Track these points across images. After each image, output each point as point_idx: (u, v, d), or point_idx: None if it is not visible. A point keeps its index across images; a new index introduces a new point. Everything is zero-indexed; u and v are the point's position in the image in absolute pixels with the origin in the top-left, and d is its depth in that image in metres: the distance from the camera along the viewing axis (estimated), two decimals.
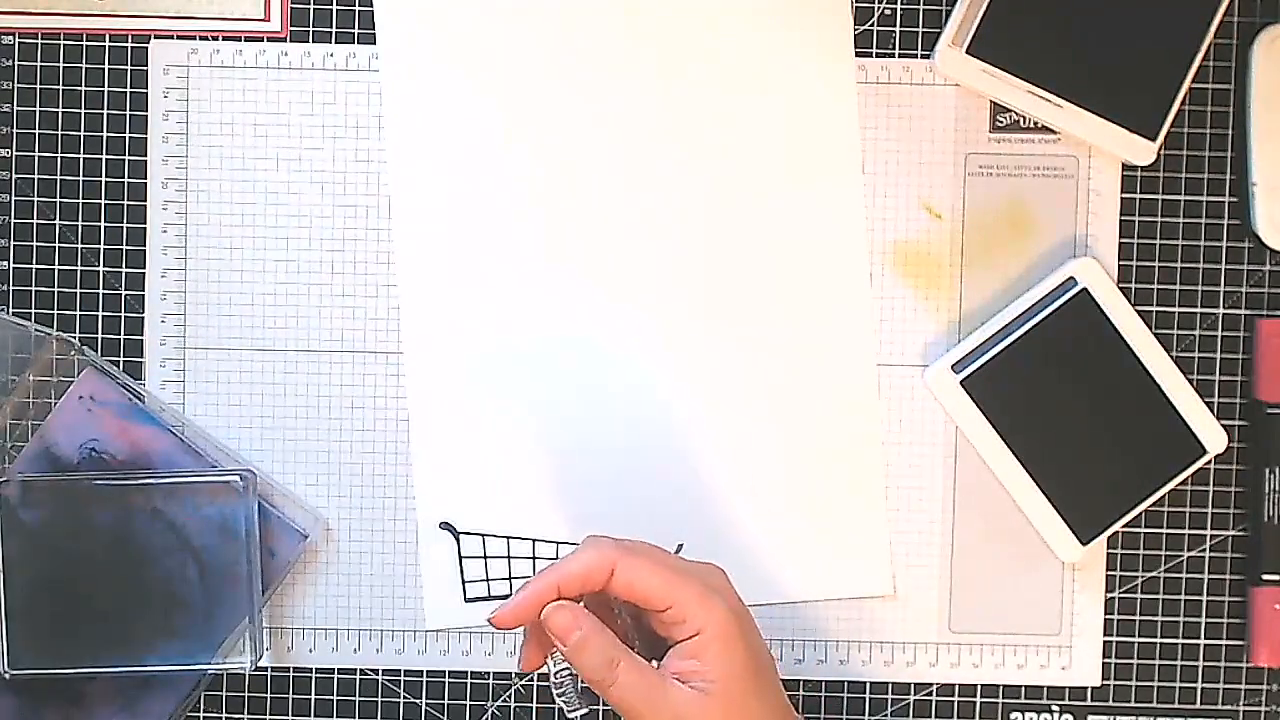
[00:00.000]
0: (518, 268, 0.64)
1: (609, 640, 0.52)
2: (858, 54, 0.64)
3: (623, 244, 0.64)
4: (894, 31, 0.64)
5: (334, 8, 0.64)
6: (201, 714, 0.65)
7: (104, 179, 0.64)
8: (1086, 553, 0.63)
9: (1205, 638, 0.65)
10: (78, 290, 0.64)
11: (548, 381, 0.64)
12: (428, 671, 0.65)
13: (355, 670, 0.65)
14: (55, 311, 0.64)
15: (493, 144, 0.63)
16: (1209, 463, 0.64)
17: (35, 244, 0.64)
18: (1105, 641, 0.65)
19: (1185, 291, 0.64)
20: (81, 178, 0.64)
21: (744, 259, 0.64)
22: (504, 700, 0.65)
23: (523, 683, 0.65)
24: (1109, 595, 0.65)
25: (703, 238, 0.64)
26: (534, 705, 0.65)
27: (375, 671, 0.65)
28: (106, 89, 0.64)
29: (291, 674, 0.65)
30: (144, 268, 0.64)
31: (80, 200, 0.64)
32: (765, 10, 0.63)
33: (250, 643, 0.63)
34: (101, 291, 0.64)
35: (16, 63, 0.64)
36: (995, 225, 0.64)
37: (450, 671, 0.65)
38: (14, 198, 0.64)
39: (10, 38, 0.64)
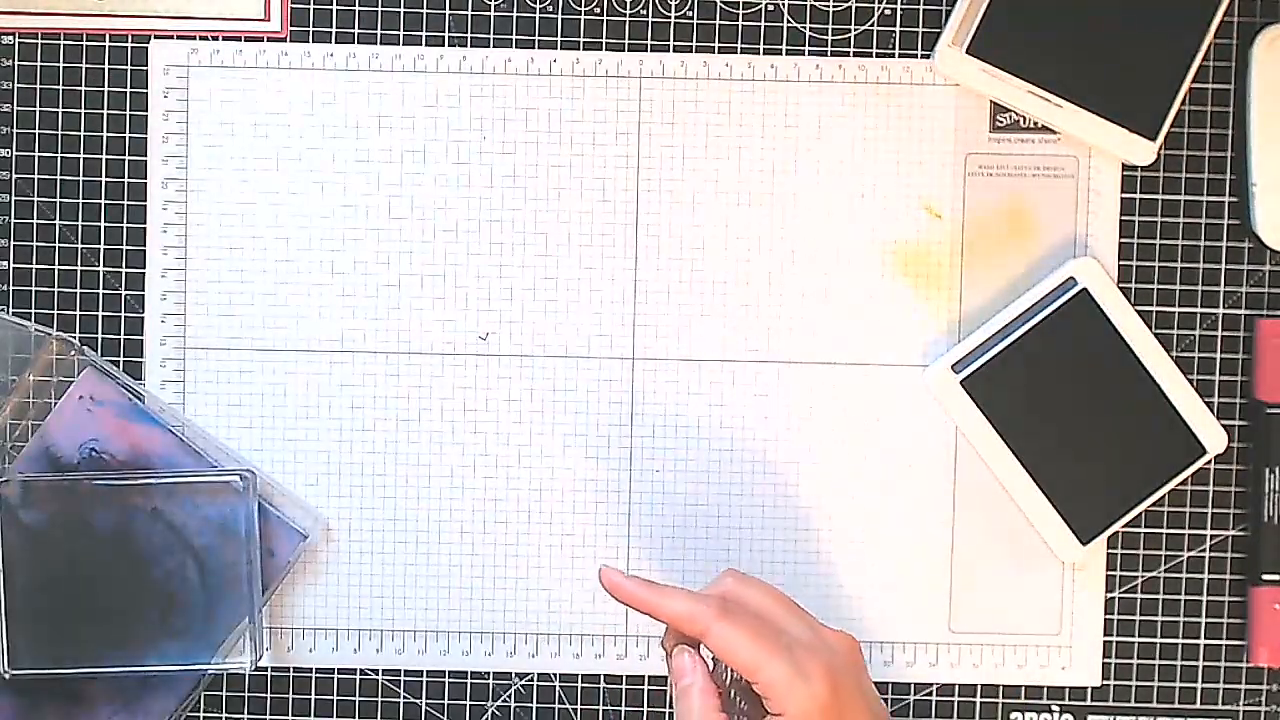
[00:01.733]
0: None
1: (708, 702, 0.53)
2: (856, 54, 0.64)
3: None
4: (894, 31, 0.64)
5: (334, 8, 0.64)
6: (201, 714, 0.65)
7: (104, 179, 0.64)
8: (1086, 553, 0.63)
9: (1205, 638, 0.65)
10: (78, 290, 0.64)
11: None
12: (428, 671, 0.65)
13: (355, 670, 0.65)
14: (55, 311, 0.64)
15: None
16: (1209, 463, 0.64)
17: (35, 244, 0.64)
18: (1105, 641, 0.65)
19: (1185, 291, 0.64)
20: (81, 178, 0.64)
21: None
22: (504, 700, 0.65)
23: (522, 683, 0.65)
24: (1109, 595, 0.65)
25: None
26: (534, 705, 0.65)
27: (375, 671, 0.65)
28: (106, 89, 0.64)
29: (291, 674, 0.65)
30: (144, 268, 0.64)
31: (80, 200, 0.64)
32: None
33: (250, 643, 0.63)
34: (101, 291, 0.64)
35: (16, 63, 0.64)
36: (995, 225, 0.64)
37: (450, 671, 0.65)
38: (14, 198, 0.64)
39: (10, 38, 0.64)
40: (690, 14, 0.64)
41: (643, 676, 0.65)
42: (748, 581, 0.56)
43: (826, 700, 0.52)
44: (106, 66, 0.64)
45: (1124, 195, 0.64)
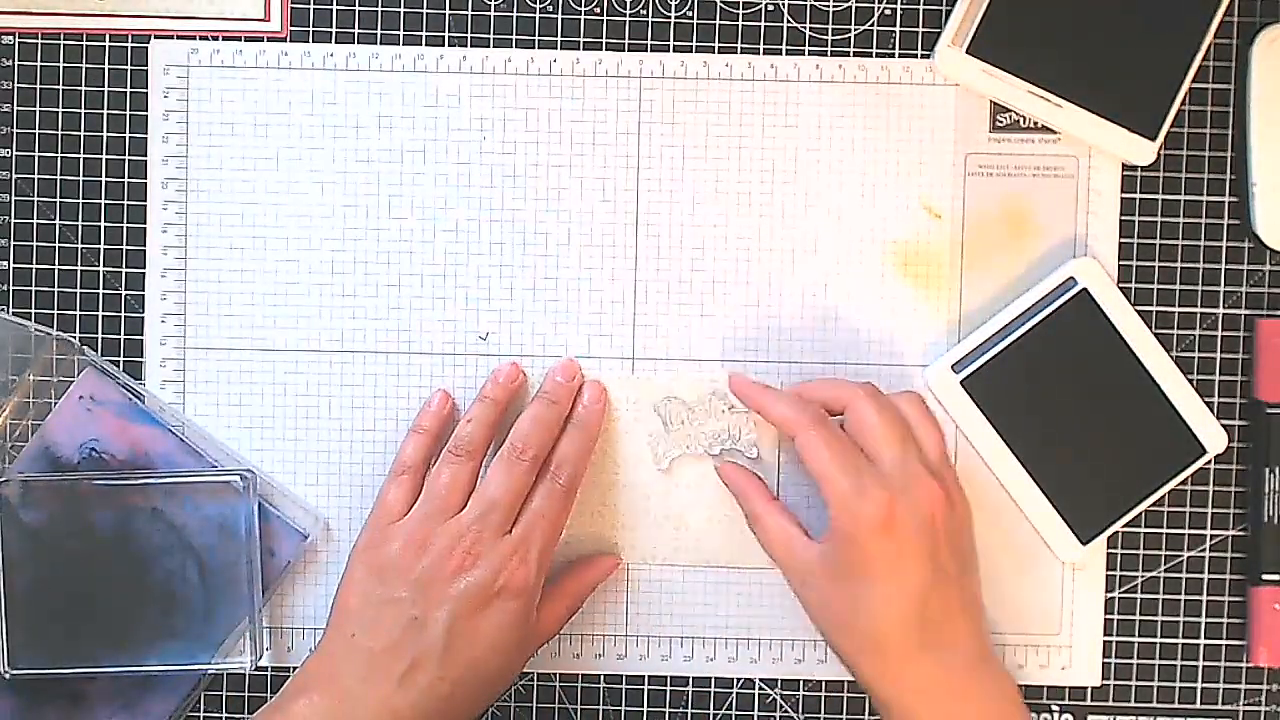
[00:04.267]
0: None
1: (756, 494, 0.61)
2: (857, 54, 0.64)
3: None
4: (894, 31, 0.64)
5: (334, 8, 0.64)
6: (201, 714, 0.65)
7: (104, 179, 0.64)
8: (1086, 553, 0.63)
9: (1205, 638, 0.65)
10: (78, 290, 0.64)
11: None
12: None
13: None
14: (55, 311, 0.64)
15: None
16: (1209, 463, 0.64)
17: (35, 244, 0.64)
18: (1105, 641, 0.65)
19: (1185, 291, 0.64)
20: (81, 178, 0.64)
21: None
22: (503, 700, 0.65)
23: (523, 683, 0.65)
24: (1109, 595, 0.65)
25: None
26: (534, 705, 0.65)
27: None
28: (106, 89, 0.64)
29: (291, 674, 0.64)
30: (144, 268, 0.64)
31: (80, 200, 0.64)
32: None
33: (250, 643, 0.63)
34: (101, 291, 0.64)
35: (16, 63, 0.64)
36: (995, 225, 0.64)
37: None
38: (14, 198, 0.64)
39: (10, 38, 0.64)
40: (690, 14, 0.64)
41: (643, 676, 0.65)
42: (879, 402, 0.58)
43: (875, 524, 0.56)
44: (106, 66, 0.64)
45: (1124, 195, 0.64)
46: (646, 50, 0.64)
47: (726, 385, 0.63)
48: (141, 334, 0.64)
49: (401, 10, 0.64)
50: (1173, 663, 0.65)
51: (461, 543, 0.58)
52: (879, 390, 0.60)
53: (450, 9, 0.64)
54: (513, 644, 0.59)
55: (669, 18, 0.64)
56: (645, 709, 0.65)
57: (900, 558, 0.56)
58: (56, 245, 0.64)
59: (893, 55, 0.64)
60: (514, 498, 0.59)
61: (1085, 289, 0.62)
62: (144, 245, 0.64)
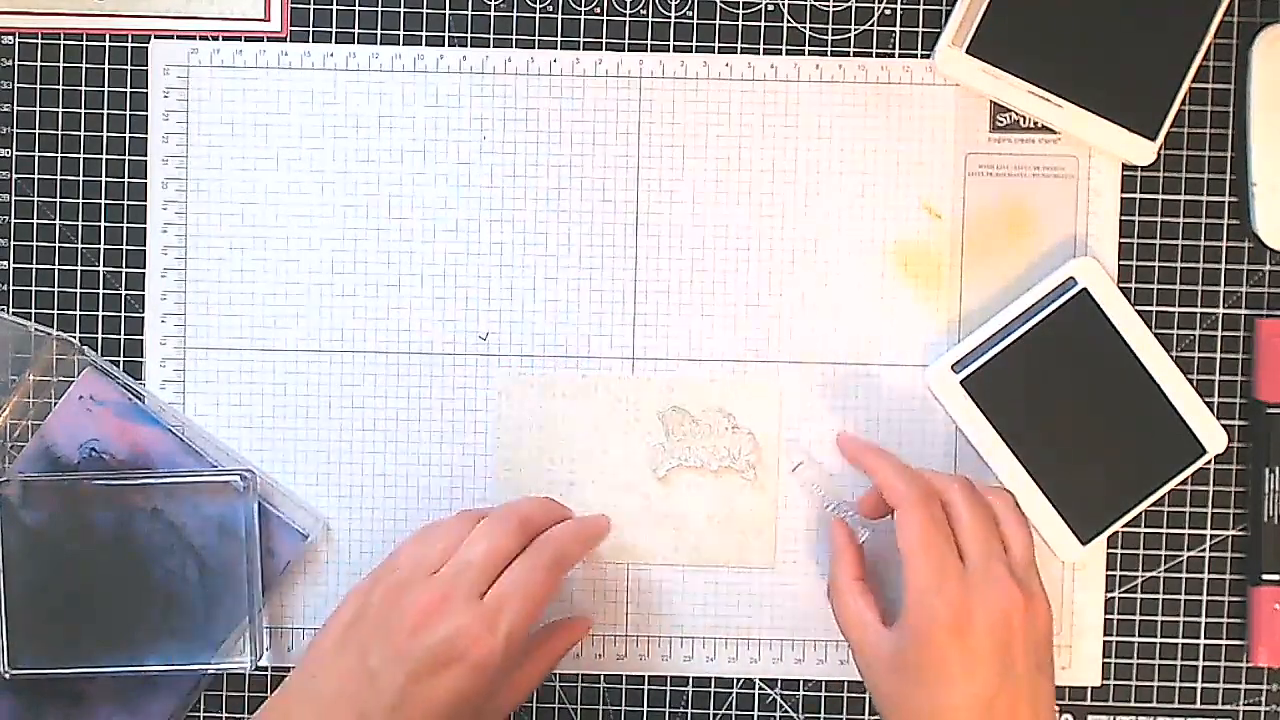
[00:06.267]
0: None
1: (846, 568, 0.60)
2: (857, 54, 0.64)
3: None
4: (894, 31, 0.64)
5: (334, 8, 0.64)
6: (201, 714, 0.65)
7: (104, 179, 0.64)
8: (1086, 553, 0.63)
9: (1205, 638, 0.65)
10: (78, 290, 0.64)
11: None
12: None
13: None
14: (55, 311, 0.64)
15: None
16: (1209, 463, 0.64)
17: (35, 244, 0.64)
18: (1105, 641, 0.65)
19: (1185, 291, 0.64)
20: (81, 178, 0.64)
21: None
22: None
23: None
24: (1109, 595, 0.65)
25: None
26: (534, 705, 0.65)
27: None
28: (106, 89, 0.64)
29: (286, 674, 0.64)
30: (144, 268, 0.64)
31: (80, 200, 0.64)
32: None
33: (250, 643, 0.63)
34: (101, 291, 0.64)
35: (16, 63, 0.64)
36: (995, 225, 0.64)
37: None
38: (14, 198, 0.64)
39: (10, 38, 0.64)
40: (690, 14, 0.64)
41: (643, 677, 0.65)
42: (973, 499, 0.57)
43: (948, 625, 0.54)
44: (106, 66, 0.64)
45: (1124, 195, 0.64)
46: (646, 50, 0.64)
47: (731, 396, 0.63)
48: (141, 334, 0.64)
49: (401, 10, 0.64)
50: (1173, 663, 0.65)
51: (430, 599, 0.55)
52: (973, 484, 0.58)
53: (450, 9, 0.64)
54: (470, 714, 0.55)
55: (669, 18, 0.64)
56: (645, 709, 0.65)
57: (971, 661, 0.54)
58: (56, 245, 0.64)
59: (893, 55, 0.64)
60: (490, 560, 0.56)
61: (1085, 289, 0.62)
62: (144, 245, 0.64)
